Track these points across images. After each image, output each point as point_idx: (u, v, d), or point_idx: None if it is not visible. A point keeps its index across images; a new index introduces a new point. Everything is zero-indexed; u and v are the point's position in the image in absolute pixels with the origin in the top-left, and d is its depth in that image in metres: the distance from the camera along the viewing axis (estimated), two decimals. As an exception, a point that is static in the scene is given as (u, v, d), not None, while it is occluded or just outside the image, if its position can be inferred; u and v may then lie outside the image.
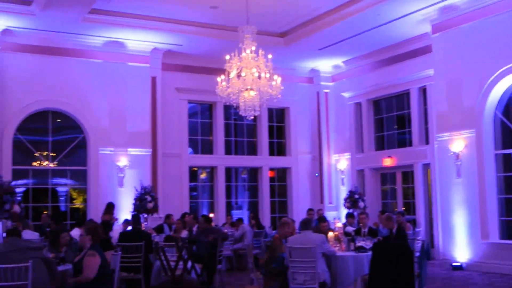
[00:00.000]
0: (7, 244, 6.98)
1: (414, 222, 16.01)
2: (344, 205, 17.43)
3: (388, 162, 17.59)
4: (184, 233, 12.52)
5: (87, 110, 16.28)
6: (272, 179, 20.02)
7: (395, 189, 17.98)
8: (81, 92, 16.22)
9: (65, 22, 14.78)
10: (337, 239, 9.94)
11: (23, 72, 15.56)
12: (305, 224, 9.05)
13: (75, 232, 9.88)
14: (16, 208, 8.72)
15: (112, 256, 8.24)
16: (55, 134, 16.32)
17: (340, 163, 19.59)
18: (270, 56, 12.49)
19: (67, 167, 16.50)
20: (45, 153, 16.24)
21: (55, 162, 16.24)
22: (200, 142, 19.04)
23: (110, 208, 14.28)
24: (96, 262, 7.41)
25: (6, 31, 14.97)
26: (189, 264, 9.67)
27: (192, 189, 18.85)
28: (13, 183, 9.04)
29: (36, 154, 16.12)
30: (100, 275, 7.41)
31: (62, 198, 17.03)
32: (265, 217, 18.92)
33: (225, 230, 14.14)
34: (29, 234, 10.59)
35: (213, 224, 13.40)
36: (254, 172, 19.94)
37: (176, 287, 8.46)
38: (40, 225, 13.60)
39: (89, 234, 7.72)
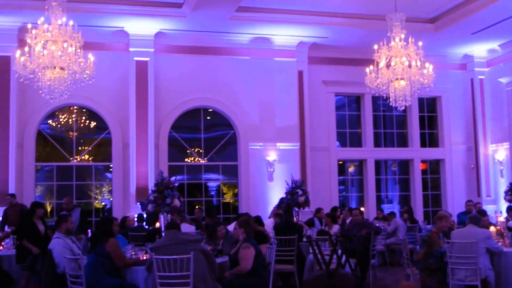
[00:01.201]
0: (168, 237, 7.23)
1: None
2: (505, 198, 16.40)
3: (553, 151, 16.32)
4: (336, 228, 12.39)
5: (237, 106, 16.66)
6: (424, 172, 19.33)
7: (563, 181, 16.66)
8: (230, 89, 16.63)
9: (213, 22, 15.22)
10: (499, 234, 9.36)
11: (176, 72, 16.25)
12: (472, 219, 8.59)
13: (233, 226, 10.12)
14: (176, 202, 9.08)
15: (267, 249, 8.31)
16: (207, 131, 16.87)
17: (498, 153, 18.50)
18: (420, 43, 12.00)
19: (219, 163, 16.99)
20: (196, 150, 16.83)
21: (205, 158, 16.79)
22: (348, 135, 18.80)
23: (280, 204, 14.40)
24: (251, 254, 7.52)
25: (159, 34, 15.71)
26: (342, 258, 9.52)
27: (339, 182, 18.64)
28: (172, 178, 9.44)
29: (188, 151, 16.75)
30: (255, 266, 7.51)
31: (212, 193, 17.56)
32: (418, 211, 18.28)
33: (377, 224, 13.84)
34: (186, 227, 10.99)
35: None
36: (404, 165, 19.37)
37: (330, 281, 8.34)
38: (194, 218, 14.09)
39: (242, 227, 7.85)
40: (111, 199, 16.08)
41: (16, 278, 9.39)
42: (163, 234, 8.86)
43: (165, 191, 9.00)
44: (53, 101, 10.60)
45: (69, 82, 10.35)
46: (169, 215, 9.27)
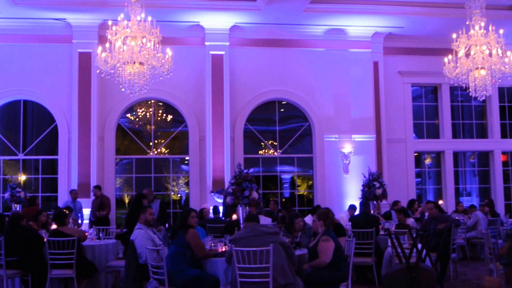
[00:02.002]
0: (247, 229, 7.28)
1: None
2: None
3: None
4: (410, 221, 12.15)
5: (312, 98, 16.62)
6: (505, 163, 18.71)
7: None
8: (305, 81, 16.60)
9: (288, 14, 15.24)
10: None
11: (251, 65, 16.38)
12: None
13: (309, 218, 10.11)
14: (255, 195, 9.15)
15: (346, 242, 8.26)
16: (282, 123, 16.91)
17: None
18: (501, 31, 11.61)
19: (294, 155, 17.00)
20: (271, 142, 16.89)
21: (279, 151, 16.82)
22: (425, 126, 18.41)
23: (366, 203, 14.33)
24: (331, 247, 7.49)
25: (234, 28, 15.87)
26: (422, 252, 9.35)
27: (416, 175, 18.29)
28: (250, 171, 9.53)
29: (263, 144, 16.83)
30: (335, 259, 7.48)
31: (286, 185, 17.59)
32: (499, 204, 17.70)
33: (456, 217, 13.49)
34: (262, 220, 11.05)
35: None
36: (484, 156, 18.81)
37: (411, 275, 8.20)
38: (269, 211, 14.15)
39: (321, 220, 7.82)
40: (187, 191, 16.38)
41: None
42: (241, 226, 8.95)
43: (243, 184, 9.09)
44: (133, 95, 10.87)
45: (148, 77, 10.59)
46: (247, 207, 9.36)
